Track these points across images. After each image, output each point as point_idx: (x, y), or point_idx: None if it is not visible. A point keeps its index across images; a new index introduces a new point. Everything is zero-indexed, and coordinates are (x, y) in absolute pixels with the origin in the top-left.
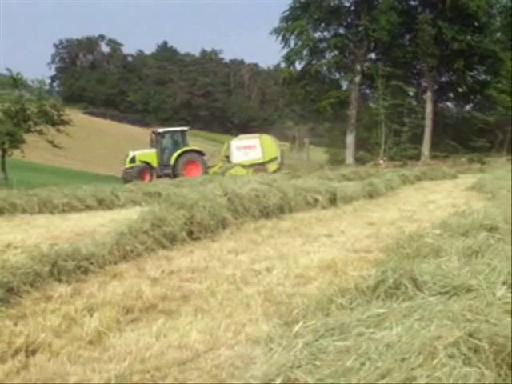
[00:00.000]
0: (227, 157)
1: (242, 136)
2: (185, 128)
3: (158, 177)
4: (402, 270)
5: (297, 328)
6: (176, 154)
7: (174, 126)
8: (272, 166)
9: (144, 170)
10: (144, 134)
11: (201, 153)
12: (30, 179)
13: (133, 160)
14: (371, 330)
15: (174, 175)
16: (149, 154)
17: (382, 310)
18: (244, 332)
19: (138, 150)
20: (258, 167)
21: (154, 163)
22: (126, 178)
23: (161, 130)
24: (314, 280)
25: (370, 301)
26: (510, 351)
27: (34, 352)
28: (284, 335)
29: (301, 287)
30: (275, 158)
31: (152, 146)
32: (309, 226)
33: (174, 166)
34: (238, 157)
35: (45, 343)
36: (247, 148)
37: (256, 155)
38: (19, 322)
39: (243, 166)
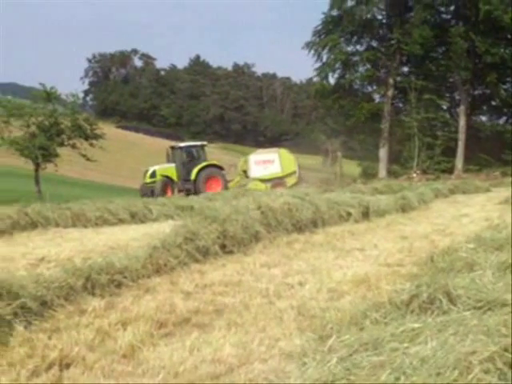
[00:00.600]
0: (245, 171)
1: (260, 150)
2: (204, 142)
3: (180, 191)
4: (436, 284)
5: (330, 342)
6: (197, 169)
7: (205, 139)
8: (290, 180)
9: (166, 185)
10: None
11: (220, 167)
12: (63, 193)
13: (153, 175)
14: (406, 345)
15: (195, 190)
16: (169, 169)
17: (416, 325)
18: (277, 346)
19: (157, 165)
20: (277, 181)
21: (175, 177)
22: (146, 193)
23: (182, 144)
24: (348, 294)
25: (404, 315)
26: None
27: (67, 366)
28: (318, 350)
29: (334, 301)
30: (293, 172)
31: (168, 160)
32: (341, 239)
33: (195, 180)
34: (256, 171)
35: (78, 357)
36: (266, 162)
37: (275, 169)
38: (53, 335)
39: (262, 181)
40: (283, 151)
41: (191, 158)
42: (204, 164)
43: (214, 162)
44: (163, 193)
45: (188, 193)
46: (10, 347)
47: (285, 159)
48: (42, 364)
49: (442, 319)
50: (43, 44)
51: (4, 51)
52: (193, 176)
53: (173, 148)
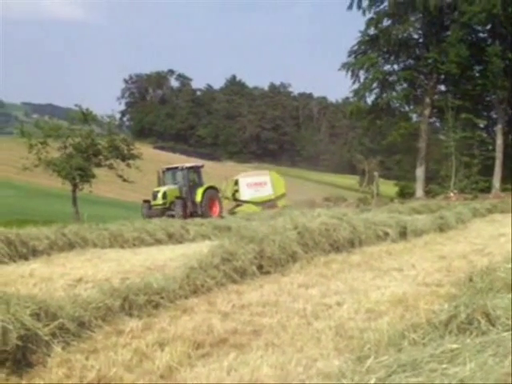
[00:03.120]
0: (233, 194)
1: (249, 173)
2: (202, 163)
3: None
4: (474, 304)
5: (368, 363)
6: (202, 190)
7: (243, 159)
8: (281, 202)
9: (185, 205)
10: (214, 167)
11: (217, 190)
12: (100, 213)
13: (165, 196)
14: (444, 366)
15: (202, 213)
16: (176, 190)
17: (455, 346)
18: (315, 367)
19: (164, 186)
20: (269, 204)
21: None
22: (152, 216)
23: (187, 164)
24: (385, 315)
25: (442, 336)
26: None
27: None
28: (356, 371)
29: (372, 322)
30: (283, 195)
31: (159, 183)
32: (379, 259)
33: (201, 202)
34: (248, 194)
35: (116, 378)
36: (257, 185)
37: (267, 192)
38: (91, 356)
39: (254, 203)
40: (274, 173)
41: (194, 179)
42: (207, 186)
43: (212, 185)
44: (184, 214)
45: (194, 215)
46: (48, 368)
47: (276, 181)
48: None
49: (480, 340)
50: (79, 66)
51: (42, 73)
52: (198, 198)
53: (169, 169)
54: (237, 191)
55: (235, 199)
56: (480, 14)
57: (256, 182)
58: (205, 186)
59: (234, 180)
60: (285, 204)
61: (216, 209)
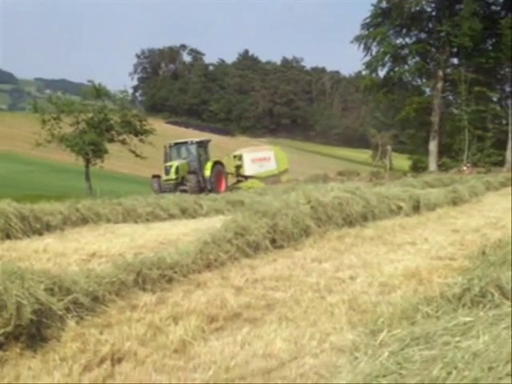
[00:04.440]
0: (237, 169)
1: (252, 148)
2: (207, 138)
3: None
4: (488, 277)
5: (382, 337)
6: (210, 165)
7: (256, 134)
8: (284, 177)
9: (198, 180)
10: (227, 142)
11: (223, 165)
12: (113, 188)
13: (177, 171)
14: (457, 339)
15: (211, 188)
16: (186, 165)
17: (468, 319)
18: (329, 341)
19: (175, 161)
20: (273, 179)
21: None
22: (165, 190)
23: (196, 139)
24: (399, 288)
25: (455, 309)
26: None
27: (119, 360)
28: (369, 344)
29: (385, 295)
30: (286, 170)
31: (166, 159)
32: (392, 233)
33: (210, 177)
34: (252, 169)
35: (130, 352)
36: (262, 160)
37: (271, 167)
38: (105, 330)
39: (259, 179)
40: (277, 149)
41: (203, 153)
42: (215, 160)
43: (219, 159)
44: (199, 188)
45: (204, 190)
46: (62, 342)
47: (279, 157)
48: (93, 359)
49: (494, 313)
50: (91, 41)
51: (54, 49)
52: (208, 172)
53: (177, 144)
54: (240, 166)
55: (238, 174)
56: None
57: (260, 158)
58: (212, 160)
59: (238, 155)
60: (288, 179)
61: (223, 184)
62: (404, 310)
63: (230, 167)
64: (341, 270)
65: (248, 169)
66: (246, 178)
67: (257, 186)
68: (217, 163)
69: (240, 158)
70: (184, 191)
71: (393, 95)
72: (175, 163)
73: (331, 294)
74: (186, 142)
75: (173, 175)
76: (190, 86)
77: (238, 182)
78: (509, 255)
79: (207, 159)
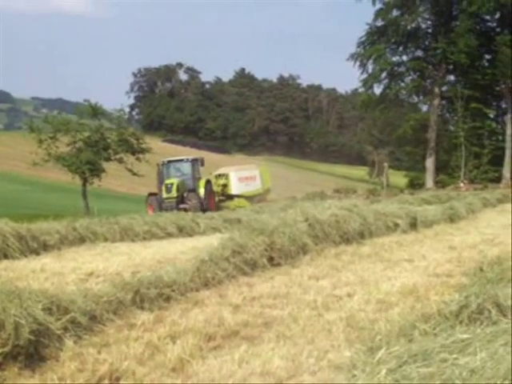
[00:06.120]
0: (222, 188)
1: (238, 167)
2: (201, 156)
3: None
4: (485, 294)
5: (380, 354)
6: (203, 183)
7: (253, 151)
8: (268, 197)
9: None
10: (224, 160)
11: (211, 183)
12: (111, 207)
13: (178, 189)
14: (455, 356)
15: (204, 207)
16: (183, 183)
17: (465, 336)
18: (326, 358)
19: (173, 179)
20: (259, 198)
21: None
22: (167, 208)
23: (190, 157)
24: (396, 305)
25: (453, 326)
26: None
27: (117, 379)
28: (367, 361)
29: (383, 313)
30: (269, 189)
31: (160, 177)
32: (389, 250)
33: (204, 195)
34: (239, 188)
35: (128, 371)
36: (248, 179)
37: (257, 186)
38: (103, 349)
39: (245, 198)
40: (262, 167)
41: (196, 171)
42: (207, 178)
43: (209, 178)
44: (201, 207)
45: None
46: (60, 362)
47: (264, 175)
48: (92, 378)
49: (491, 330)
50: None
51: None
52: (202, 190)
53: (171, 162)
54: (225, 185)
55: (223, 193)
56: (488, 3)
57: (247, 176)
58: (204, 178)
59: (223, 174)
60: (271, 198)
61: (213, 202)
62: (401, 327)
63: (214, 186)
64: (338, 287)
65: (235, 188)
66: (232, 197)
67: (243, 205)
68: (208, 182)
69: (226, 176)
70: (184, 209)
71: (389, 112)
72: (175, 181)
73: (329, 312)
74: (181, 160)
75: (174, 193)
76: (186, 104)
77: (220, 201)
78: (506, 272)
79: (199, 177)
